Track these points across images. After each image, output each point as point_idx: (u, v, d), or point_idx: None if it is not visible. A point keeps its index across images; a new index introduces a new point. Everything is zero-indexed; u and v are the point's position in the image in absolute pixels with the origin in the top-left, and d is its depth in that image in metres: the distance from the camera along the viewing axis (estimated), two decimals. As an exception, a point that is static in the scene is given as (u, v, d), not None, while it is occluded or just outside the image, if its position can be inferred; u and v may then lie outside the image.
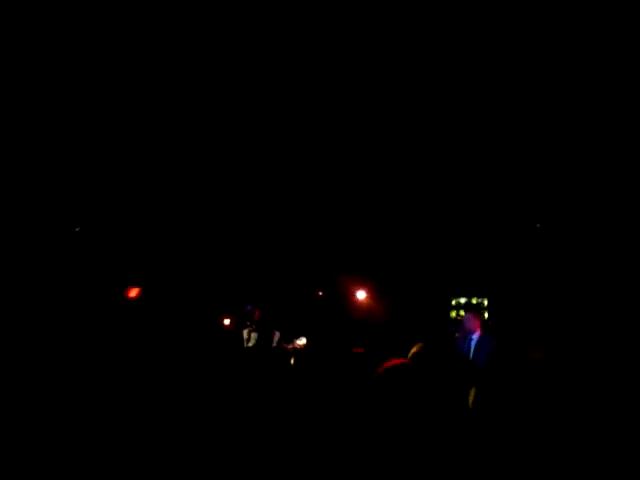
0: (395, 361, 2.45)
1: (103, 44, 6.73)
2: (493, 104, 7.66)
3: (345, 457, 2.35)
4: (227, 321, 8.93)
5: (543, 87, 7.22)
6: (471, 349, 6.44)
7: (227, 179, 9.34)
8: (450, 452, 2.20)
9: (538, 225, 9.61)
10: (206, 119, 8.22)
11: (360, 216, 10.15)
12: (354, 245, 10.53)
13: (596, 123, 7.56)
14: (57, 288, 8.79)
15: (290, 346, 6.54)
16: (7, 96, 7.22)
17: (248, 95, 7.72)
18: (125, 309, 8.62)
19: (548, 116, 7.66)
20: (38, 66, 6.94)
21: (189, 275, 10.33)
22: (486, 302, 10.61)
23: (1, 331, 7.13)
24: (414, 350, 2.48)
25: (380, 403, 2.40)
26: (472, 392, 2.42)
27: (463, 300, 10.73)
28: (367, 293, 10.48)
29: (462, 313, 9.41)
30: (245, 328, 7.03)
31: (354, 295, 10.54)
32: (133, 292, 9.11)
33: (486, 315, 10.21)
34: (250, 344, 6.75)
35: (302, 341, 6.63)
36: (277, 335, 6.81)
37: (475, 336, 6.50)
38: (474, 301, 10.64)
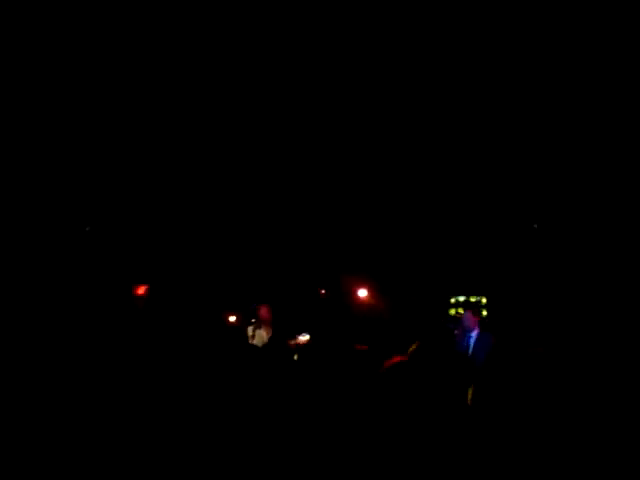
0: (396, 359, 2.47)
1: (104, 45, 6.74)
2: (492, 105, 7.67)
3: (346, 453, 2.37)
4: (232, 318, 8.97)
5: (541, 88, 7.22)
6: (470, 346, 6.47)
7: (235, 180, 9.36)
8: (449, 449, 2.22)
9: (535, 225, 9.62)
10: (213, 120, 8.24)
11: (362, 216, 10.17)
12: (356, 245, 10.55)
13: (593, 124, 7.56)
14: (67, 285, 8.83)
15: (293, 342, 6.55)
16: (16, 97, 7.25)
17: (253, 96, 7.73)
18: (133, 306, 8.66)
19: (547, 117, 7.66)
20: (49, 69, 6.97)
21: (195, 273, 10.36)
22: (484, 300, 10.62)
23: (11, 328, 7.16)
24: (412, 348, 2.51)
25: (380, 401, 2.43)
26: (470, 390, 2.44)
27: (462, 298, 10.74)
28: (368, 291, 10.50)
29: (461, 311, 9.42)
30: (250, 325, 7.03)
31: (356, 293, 10.56)
32: (141, 290, 9.15)
33: (485, 313, 10.22)
34: (255, 341, 6.75)
35: (305, 337, 6.64)
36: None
37: (474, 334, 6.53)
38: (473, 299, 10.65)
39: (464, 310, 7.49)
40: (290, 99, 7.80)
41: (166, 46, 6.93)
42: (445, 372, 2.36)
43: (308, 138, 8.59)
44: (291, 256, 10.65)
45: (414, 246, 10.51)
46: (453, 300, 10.85)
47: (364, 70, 7.28)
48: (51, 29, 6.46)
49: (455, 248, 10.31)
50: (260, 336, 6.82)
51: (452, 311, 10.70)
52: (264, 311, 6.92)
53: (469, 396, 2.52)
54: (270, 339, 6.79)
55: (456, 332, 7.05)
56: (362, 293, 10.56)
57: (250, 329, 6.91)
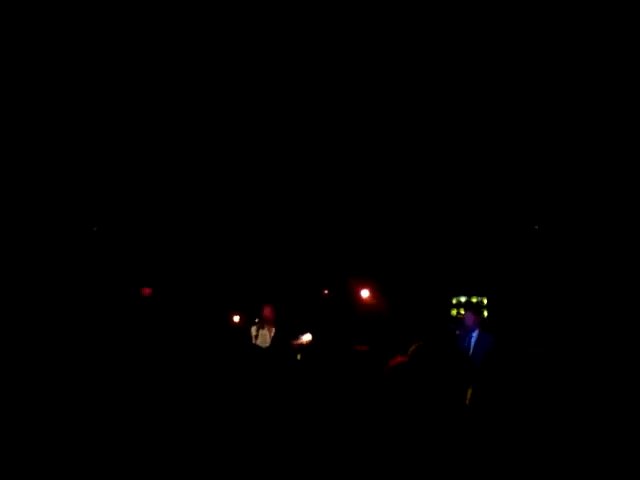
0: (398, 359, 2.48)
1: (105, 45, 6.75)
2: (494, 108, 7.66)
3: (347, 453, 2.38)
4: (236, 318, 8.98)
5: (542, 91, 7.21)
6: (471, 346, 6.50)
7: (240, 183, 9.39)
8: (448, 448, 2.23)
9: (536, 227, 9.62)
10: (219, 124, 8.27)
11: (366, 218, 10.18)
12: (359, 246, 10.56)
13: (594, 126, 7.55)
14: (75, 284, 8.87)
15: (296, 342, 6.57)
16: (25, 101, 7.28)
17: (259, 98, 7.75)
18: (139, 305, 8.68)
19: (547, 119, 7.65)
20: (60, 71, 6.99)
21: (200, 274, 10.38)
22: (486, 301, 10.63)
23: (17, 326, 7.19)
24: (413, 348, 2.52)
25: (381, 400, 2.44)
26: (469, 390, 2.45)
27: (463, 299, 10.75)
28: (371, 292, 10.51)
29: (462, 311, 9.42)
30: (253, 325, 7.05)
31: (359, 294, 10.57)
32: (147, 290, 9.17)
33: (486, 313, 10.22)
34: (258, 341, 6.76)
35: (308, 337, 6.65)
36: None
37: (475, 333, 6.56)
38: (474, 300, 10.65)
39: (465, 310, 7.50)
40: (297, 103, 7.81)
41: (170, 49, 6.95)
42: (445, 371, 2.37)
43: (313, 141, 8.60)
44: (295, 257, 10.67)
45: (416, 248, 10.52)
46: (455, 301, 10.86)
47: (367, 72, 7.28)
48: (53, 31, 6.46)
49: (457, 250, 10.32)
50: (263, 336, 6.84)
51: (454, 311, 10.70)
52: (267, 311, 6.94)
53: (468, 396, 2.53)
54: (273, 339, 6.81)
55: (457, 332, 7.06)
56: (365, 294, 10.57)
57: (254, 329, 6.93)
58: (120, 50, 6.89)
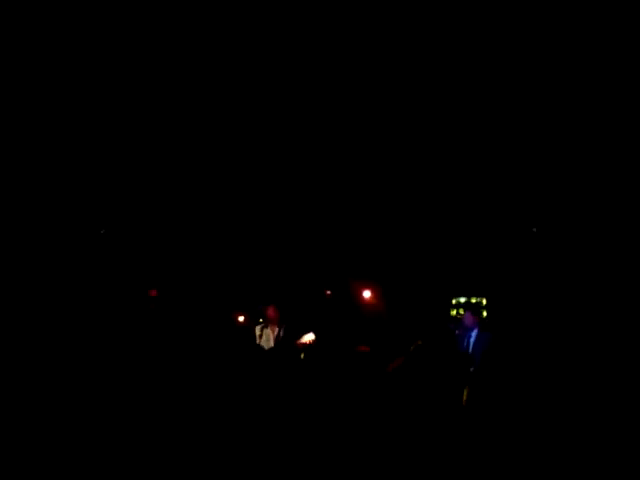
0: (399, 360, 2.52)
1: (106, 45, 6.77)
2: (493, 110, 7.67)
3: (349, 448, 2.41)
4: (241, 318, 9.02)
5: (541, 93, 7.20)
6: (470, 345, 6.53)
7: (245, 185, 9.42)
8: (445, 444, 2.26)
9: (534, 229, 9.64)
10: (222, 126, 8.29)
11: (367, 220, 10.21)
12: (361, 248, 10.59)
13: (592, 128, 7.55)
14: (83, 285, 8.91)
15: (299, 342, 6.60)
16: (32, 103, 7.31)
17: (265, 103, 7.77)
18: (146, 306, 8.71)
19: (546, 122, 7.65)
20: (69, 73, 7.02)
21: (206, 275, 10.42)
22: (485, 301, 10.64)
23: (25, 327, 7.23)
24: (412, 348, 2.56)
25: (382, 397, 2.47)
26: (465, 391, 2.48)
27: (463, 299, 10.76)
28: (372, 293, 10.53)
29: (462, 312, 9.44)
30: (258, 325, 7.08)
31: (360, 295, 10.60)
32: (153, 291, 9.20)
33: (485, 313, 10.23)
34: (262, 340, 6.80)
35: (310, 337, 6.68)
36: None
37: (474, 333, 6.59)
38: (473, 300, 10.67)
39: (465, 311, 7.53)
40: (299, 104, 7.82)
41: (173, 51, 6.97)
42: (442, 369, 2.41)
43: (316, 144, 8.63)
44: (298, 259, 10.70)
45: (417, 250, 10.54)
46: (454, 301, 10.88)
47: (368, 73, 7.28)
48: (58, 32, 6.48)
49: (456, 251, 10.34)
50: (267, 335, 6.87)
51: (453, 312, 10.72)
52: (271, 311, 6.97)
53: (464, 397, 2.56)
54: (277, 339, 6.84)
55: (457, 332, 7.09)
56: (366, 295, 10.59)
57: (258, 329, 6.97)
58: (127, 54, 6.92)
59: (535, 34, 6.46)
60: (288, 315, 7.13)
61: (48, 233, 8.72)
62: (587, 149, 7.85)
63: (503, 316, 9.67)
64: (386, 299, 10.56)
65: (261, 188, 9.66)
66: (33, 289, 8.21)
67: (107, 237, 9.48)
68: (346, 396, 2.75)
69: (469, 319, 6.70)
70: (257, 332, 6.93)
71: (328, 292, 11.22)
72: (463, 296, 10.78)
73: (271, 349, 6.09)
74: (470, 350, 6.36)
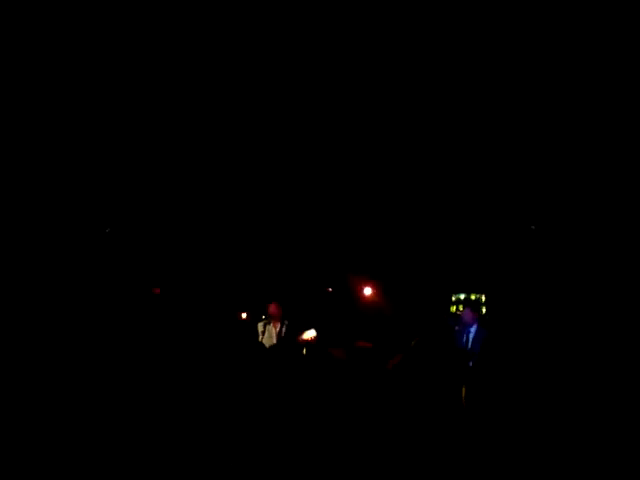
0: (398, 357, 2.54)
1: (109, 46, 6.76)
2: (492, 107, 7.65)
3: (349, 445, 2.42)
4: (244, 315, 9.05)
5: (538, 90, 7.19)
6: (469, 341, 6.56)
7: (248, 183, 9.42)
8: (444, 440, 2.27)
9: (533, 227, 9.64)
10: (223, 125, 8.30)
11: (368, 218, 10.22)
12: (362, 245, 10.60)
13: (591, 125, 7.53)
14: (88, 284, 8.93)
15: (301, 338, 6.62)
16: (36, 103, 7.32)
17: (264, 100, 7.76)
18: (150, 304, 8.75)
19: (545, 119, 7.63)
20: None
21: (210, 273, 10.45)
22: (484, 298, 10.67)
23: (28, 325, 7.25)
24: (413, 344, 2.57)
25: (383, 393, 2.49)
26: (464, 386, 2.49)
27: (462, 296, 10.79)
28: (373, 290, 10.56)
29: (461, 308, 9.46)
30: (260, 321, 7.11)
31: (361, 292, 10.62)
32: (157, 289, 9.24)
33: (484, 310, 10.26)
34: (265, 337, 6.82)
35: (312, 333, 6.70)
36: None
37: (473, 329, 6.62)
38: (473, 297, 10.69)
39: (464, 307, 7.55)
40: (296, 100, 7.81)
41: (177, 52, 6.97)
42: (442, 365, 2.42)
43: (317, 141, 8.62)
44: (299, 256, 10.73)
45: (417, 247, 10.56)
46: (454, 298, 10.90)
47: (367, 70, 7.27)
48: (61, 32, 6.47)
49: (456, 249, 10.36)
50: (270, 332, 6.90)
51: (453, 308, 10.74)
52: (273, 308, 7.00)
53: (463, 392, 2.57)
54: (279, 335, 6.86)
55: (457, 328, 7.11)
56: (367, 292, 10.61)
57: (260, 325, 6.99)
58: (132, 54, 6.92)
59: (535, 34, 6.44)
60: (290, 312, 7.15)
61: (54, 231, 8.75)
62: (585, 147, 7.84)
63: (502, 312, 9.69)
64: (387, 296, 10.59)
65: (263, 186, 9.67)
66: (37, 287, 8.24)
67: (112, 235, 9.50)
68: (347, 392, 2.76)
69: (468, 315, 6.71)
70: (259, 329, 6.96)
71: (329, 289, 11.25)
72: (463, 293, 10.80)
73: (273, 346, 6.10)
74: (469, 346, 6.39)
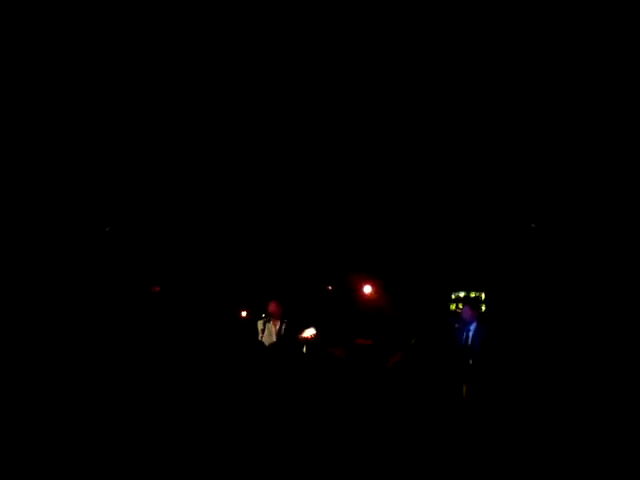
0: (398, 355, 2.51)
1: (110, 46, 6.75)
2: (492, 106, 7.64)
3: (349, 443, 2.40)
4: (244, 313, 9.04)
5: (538, 88, 7.18)
6: (469, 338, 6.55)
7: (247, 182, 9.42)
8: (445, 437, 2.25)
9: (533, 225, 9.63)
10: (222, 124, 8.29)
11: (368, 216, 10.21)
12: (361, 243, 10.59)
13: (591, 124, 7.52)
14: (88, 283, 8.93)
15: (301, 336, 6.60)
16: (36, 102, 7.31)
17: (263, 98, 7.75)
18: (150, 302, 8.73)
19: (545, 117, 7.62)
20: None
21: (209, 272, 10.44)
22: (483, 296, 10.65)
23: (29, 324, 7.24)
24: (413, 341, 2.55)
25: (383, 391, 2.47)
26: (464, 383, 2.47)
27: (462, 294, 10.78)
28: (373, 288, 10.54)
29: (461, 306, 9.44)
30: (260, 320, 7.09)
31: (361, 290, 10.61)
32: (155, 288, 9.22)
33: (483, 308, 10.24)
34: (265, 335, 6.81)
35: (312, 331, 6.69)
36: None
37: (472, 326, 6.61)
38: (472, 295, 10.68)
39: (464, 305, 7.54)
40: (296, 100, 7.81)
41: (177, 51, 6.96)
42: (442, 363, 2.40)
43: (316, 140, 8.62)
44: (299, 255, 10.71)
45: (417, 245, 10.55)
46: (454, 296, 10.89)
47: (366, 70, 7.26)
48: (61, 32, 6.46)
49: (456, 246, 10.34)
50: (269, 330, 6.89)
51: (453, 306, 10.73)
52: (273, 306, 6.99)
53: (463, 389, 2.55)
54: (279, 333, 6.85)
55: (456, 325, 7.10)
56: (367, 289, 10.59)
57: (260, 323, 6.98)
58: (132, 54, 6.91)
59: (534, 34, 6.44)
60: (290, 310, 7.14)
61: (54, 230, 8.74)
62: (585, 145, 7.83)
63: (502, 310, 9.68)
64: (387, 294, 10.57)
65: (263, 185, 9.66)
66: (37, 286, 8.23)
67: (112, 234, 9.49)
68: (347, 390, 2.74)
69: (468, 313, 6.72)
70: (259, 327, 6.95)
71: (329, 287, 11.23)
72: (462, 290, 10.79)
73: (273, 344, 6.08)
74: (469, 343, 6.38)
